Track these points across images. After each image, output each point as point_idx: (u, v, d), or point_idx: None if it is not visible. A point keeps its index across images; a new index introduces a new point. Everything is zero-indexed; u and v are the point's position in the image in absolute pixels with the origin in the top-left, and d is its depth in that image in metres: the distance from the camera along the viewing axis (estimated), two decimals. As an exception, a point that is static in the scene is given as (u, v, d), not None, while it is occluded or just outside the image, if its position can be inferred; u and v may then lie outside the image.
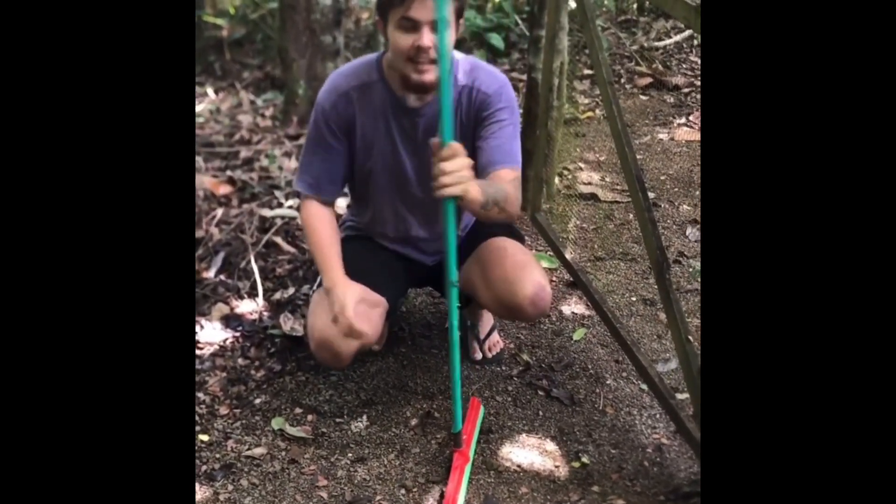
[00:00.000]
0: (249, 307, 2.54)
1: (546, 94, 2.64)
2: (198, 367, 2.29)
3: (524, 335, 2.40)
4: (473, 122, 1.88)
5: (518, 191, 1.85)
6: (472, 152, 1.93)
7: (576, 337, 2.39)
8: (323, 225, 1.94)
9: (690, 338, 1.78)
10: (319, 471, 1.94)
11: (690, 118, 3.79)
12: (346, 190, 2.10)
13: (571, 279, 2.56)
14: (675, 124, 3.74)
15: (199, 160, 3.50)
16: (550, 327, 2.43)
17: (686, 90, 4.08)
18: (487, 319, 2.29)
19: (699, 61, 4.35)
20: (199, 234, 2.90)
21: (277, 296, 2.58)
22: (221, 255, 2.80)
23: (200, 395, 2.19)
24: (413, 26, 1.69)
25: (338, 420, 2.10)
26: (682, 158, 3.41)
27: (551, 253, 2.67)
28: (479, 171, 1.88)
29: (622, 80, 4.20)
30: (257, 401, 2.17)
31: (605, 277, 2.65)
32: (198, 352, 2.36)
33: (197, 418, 2.11)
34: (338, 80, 1.90)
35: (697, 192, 3.12)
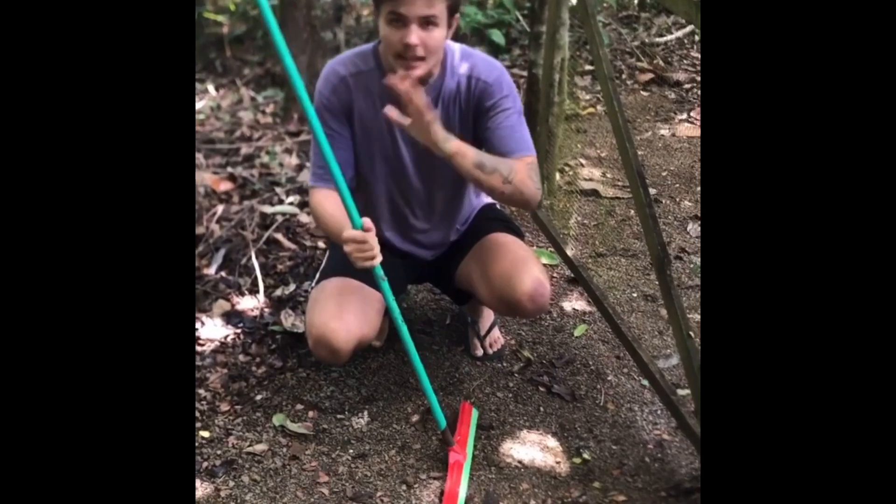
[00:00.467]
0: (250, 304, 2.54)
1: (547, 89, 2.64)
2: (199, 363, 2.29)
3: (525, 331, 2.39)
4: (474, 112, 1.87)
5: (535, 174, 1.84)
6: (474, 141, 1.93)
7: (577, 333, 2.39)
8: (334, 204, 1.83)
9: (691, 333, 1.78)
10: (320, 467, 1.95)
11: (692, 114, 3.79)
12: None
13: (572, 275, 2.56)
14: (676, 120, 3.73)
15: (199, 157, 3.50)
16: (551, 323, 2.43)
17: (687, 86, 4.07)
18: (488, 316, 2.29)
19: (700, 57, 4.34)
20: (199, 230, 2.90)
21: (278, 292, 2.58)
22: (222, 251, 2.80)
23: (201, 391, 2.19)
24: (401, 22, 1.68)
25: (339, 416, 2.10)
26: (684, 154, 3.40)
27: (552, 249, 2.67)
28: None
29: (623, 76, 4.19)
30: (258, 397, 2.17)
31: (606, 273, 2.64)
32: (199, 348, 2.36)
33: (198, 415, 2.11)
34: (335, 67, 1.89)
35: (699, 189, 3.12)
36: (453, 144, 1.70)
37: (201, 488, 1.88)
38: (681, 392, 2.02)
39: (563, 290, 2.57)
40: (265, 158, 3.50)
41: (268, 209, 3.05)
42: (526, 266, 1.94)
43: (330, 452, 1.99)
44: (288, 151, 3.56)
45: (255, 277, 2.64)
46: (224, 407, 2.14)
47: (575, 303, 2.51)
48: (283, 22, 3.80)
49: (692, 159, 3.36)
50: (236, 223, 2.97)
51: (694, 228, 2.87)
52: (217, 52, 5.07)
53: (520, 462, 1.95)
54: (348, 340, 1.85)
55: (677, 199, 3.05)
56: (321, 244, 2.83)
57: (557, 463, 1.94)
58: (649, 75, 4.15)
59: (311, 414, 2.11)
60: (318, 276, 2.07)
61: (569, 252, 2.48)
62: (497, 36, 4.43)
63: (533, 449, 1.98)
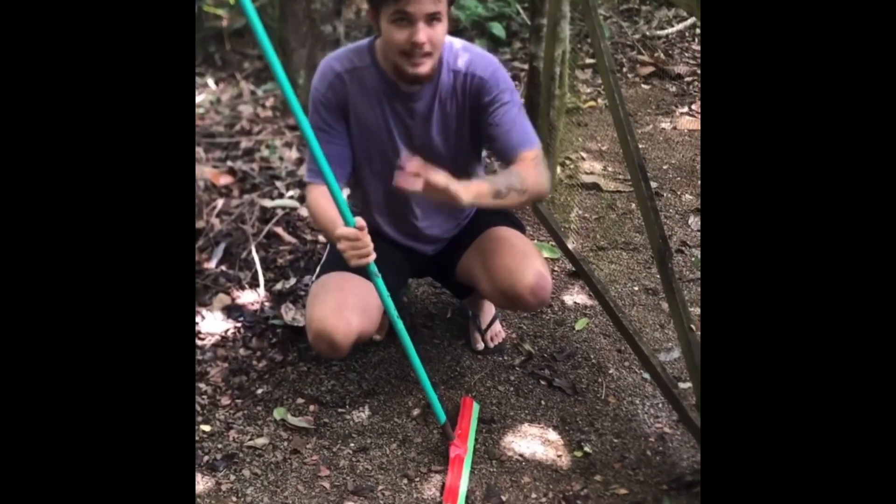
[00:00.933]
0: (251, 298, 2.54)
1: (548, 83, 2.63)
2: (199, 357, 2.29)
3: (526, 325, 2.39)
4: (471, 108, 1.87)
5: (543, 168, 1.85)
6: (471, 137, 1.92)
7: (578, 327, 2.38)
8: (330, 202, 1.79)
9: (693, 326, 1.78)
10: (321, 461, 1.94)
11: (693, 107, 3.77)
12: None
13: (573, 269, 2.55)
14: (677, 113, 3.72)
15: (199, 151, 3.49)
16: (552, 317, 2.43)
17: (688, 79, 4.05)
18: (489, 309, 2.28)
19: (700, 50, 4.33)
20: (199, 224, 2.89)
21: (279, 286, 2.58)
22: (222, 245, 2.79)
23: (202, 385, 2.19)
24: (408, 20, 1.68)
25: (340, 410, 2.10)
26: (685, 148, 3.39)
27: (553, 243, 2.67)
28: (501, 158, 1.87)
29: (624, 69, 4.18)
30: (259, 391, 2.17)
31: (608, 267, 2.64)
32: (199, 342, 2.36)
33: (199, 409, 2.11)
34: (331, 63, 1.88)
35: (700, 182, 3.11)
36: (470, 192, 1.68)
37: (202, 482, 1.88)
38: (682, 385, 2.02)
39: (564, 284, 2.57)
40: (265, 152, 3.49)
41: (268, 203, 3.04)
42: (527, 259, 1.93)
43: (331, 446, 1.99)
44: (288, 145, 3.55)
45: (256, 271, 2.64)
46: (225, 401, 2.14)
47: (576, 296, 2.51)
48: (283, 15, 3.79)
49: (693, 152, 3.35)
50: (236, 217, 2.96)
51: (695, 222, 2.87)
52: (216, 46, 5.05)
53: (521, 455, 1.95)
54: (348, 335, 1.85)
55: (679, 193, 3.05)
56: (321, 238, 2.82)
57: (559, 456, 1.94)
58: (650, 68, 4.13)
59: (311, 408, 2.11)
60: (318, 270, 2.07)
61: (570, 246, 2.48)
62: (498, 29, 4.42)
63: (534, 442, 1.98)
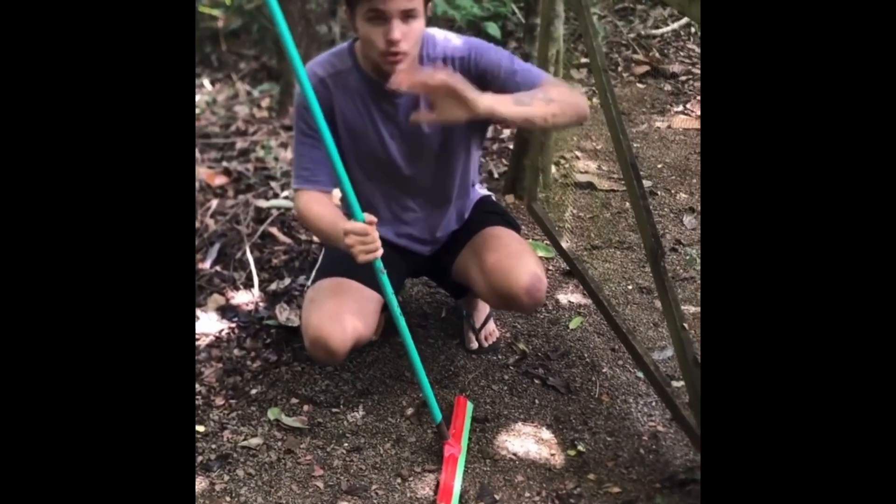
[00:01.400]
0: (245, 298, 2.54)
1: (541, 82, 2.63)
2: (194, 358, 2.29)
3: (520, 324, 2.39)
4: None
5: (564, 85, 1.78)
6: (465, 124, 1.89)
7: (572, 326, 2.39)
8: (323, 206, 1.86)
9: (686, 325, 1.78)
10: (315, 460, 1.95)
11: (687, 106, 3.78)
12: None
13: (568, 268, 2.55)
14: (672, 112, 3.72)
15: (195, 151, 3.49)
16: (547, 316, 2.43)
17: (683, 78, 4.06)
18: (483, 309, 2.29)
19: (696, 49, 4.33)
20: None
21: (273, 286, 2.58)
22: (217, 245, 2.80)
23: (196, 385, 2.19)
24: (382, 18, 1.66)
25: (334, 410, 2.10)
26: (679, 146, 3.39)
27: (547, 242, 2.67)
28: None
29: (619, 69, 4.18)
30: (253, 391, 2.17)
31: (602, 266, 2.64)
32: (194, 343, 2.36)
33: (193, 409, 2.11)
34: (313, 69, 1.87)
35: (694, 181, 3.11)
36: (487, 99, 1.63)
37: (197, 482, 1.89)
38: (675, 384, 2.02)
39: (558, 283, 2.57)
40: (260, 153, 3.49)
41: (263, 203, 3.04)
42: (522, 260, 1.93)
43: (325, 446, 1.99)
44: (283, 146, 3.55)
45: (250, 272, 2.64)
46: (219, 401, 2.14)
47: (570, 295, 2.51)
48: (278, 15, 3.79)
49: (688, 151, 3.35)
50: (231, 217, 2.97)
51: (690, 220, 2.87)
52: (213, 47, 5.06)
53: (515, 454, 1.95)
54: (345, 341, 1.84)
55: (673, 191, 3.05)
56: (316, 238, 2.83)
57: (552, 455, 1.95)
58: (645, 67, 4.14)
59: (305, 408, 2.11)
60: (313, 275, 2.06)
61: (564, 245, 2.48)
62: (493, 29, 4.41)
63: (528, 441, 1.99)
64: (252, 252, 2.74)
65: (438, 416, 1.89)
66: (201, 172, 3.28)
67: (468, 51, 1.82)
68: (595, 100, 3.81)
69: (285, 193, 3.11)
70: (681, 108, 3.77)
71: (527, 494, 1.84)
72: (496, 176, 3.21)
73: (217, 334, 2.39)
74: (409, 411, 2.09)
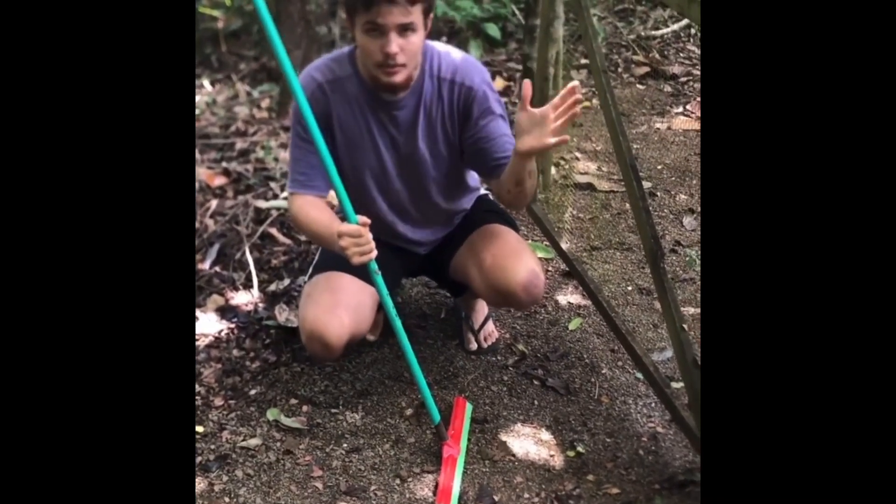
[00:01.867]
0: (244, 298, 2.54)
1: (542, 84, 2.63)
2: (193, 358, 2.29)
3: (519, 325, 2.39)
4: (460, 118, 1.87)
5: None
6: (460, 144, 1.91)
7: (571, 327, 2.38)
8: (317, 209, 1.87)
9: (685, 326, 1.78)
10: (314, 461, 1.95)
11: (687, 107, 3.77)
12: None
13: (567, 269, 2.55)
14: (672, 113, 3.72)
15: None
16: (546, 317, 2.43)
17: (683, 79, 4.06)
18: (482, 309, 2.29)
19: (696, 50, 4.33)
20: (194, 225, 2.90)
21: (272, 287, 2.58)
22: (217, 246, 2.80)
23: (196, 386, 2.19)
24: (379, 31, 1.68)
25: (333, 411, 2.10)
26: (679, 148, 3.39)
27: (547, 243, 2.67)
28: (488, 167, 1.86)
29: (619, 70, 4.18)
30: (252, 392, 2.17)
31: (601, 267, 2.64)
32: (193, 343, 2.36)
33: (192, 410, 2.11)
34: (312, 74, 1.88)
35: (694, 182, 3.11)
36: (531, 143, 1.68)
37: (196, 483, 1.88)
38: (675, 385, 2.02)
39: (557, 284, 2.57)
40: (260, 153, 3.49)
41: (262, 204, 3.04)
42: (520, 257, 1.94)
43: (324, 447, 1.99)
44: (283, 146, 3.55)
45: (250, 272, 2.64)
46: (218, 402, 2.14)
47: (570, 296, 2.51)
48: (278, 16, 3.79)
49: (688, 152, 3.35)
50: (231, 218, 2.96)
51: (689, 221, 2.87)
52: (212, 47, 5.05)
53: (514, 455, 1.95)
54: (341, 335, 1.85)
55: (673, 193, 3.05)
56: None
57: (551, 456, 1.94)
58: (645, 68, 4.13)
59: (305, 408, 2.11)
60: (310, 270, 2.07)
61: (564, 246, 2.48)
62: (493, 30, 4.42)
63: (527, 442, 1.98)
64: (251, 253, 2.74)
65: (437, 416, 1.89)
66: (201, 173, 3.28)
67: (478, 87, 1.85)
68: (595, 101, 3.81)
69: (284, 194, 3.11)
70: (681, 109, 3.77)
71: (526, 495, 1.84)
72: (496, 177, 3.20)
73: (216, 335, 2.39)
74: (409, 412, 2.09)
